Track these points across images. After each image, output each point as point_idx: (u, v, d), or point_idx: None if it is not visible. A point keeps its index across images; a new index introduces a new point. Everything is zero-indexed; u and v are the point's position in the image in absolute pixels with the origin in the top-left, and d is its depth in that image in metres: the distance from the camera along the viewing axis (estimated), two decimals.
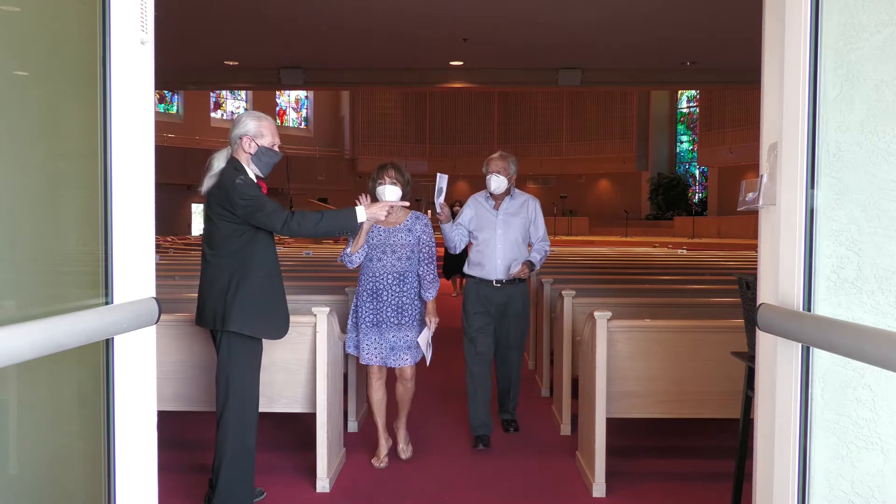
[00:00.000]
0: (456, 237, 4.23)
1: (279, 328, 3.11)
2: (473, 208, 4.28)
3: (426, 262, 3.73)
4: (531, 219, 4.28)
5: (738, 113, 22.89)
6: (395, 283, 3.64)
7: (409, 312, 3.66)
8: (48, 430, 1.59)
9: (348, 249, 3.62)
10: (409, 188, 3.73)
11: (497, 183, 4.18)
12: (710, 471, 3.70)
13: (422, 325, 3.73)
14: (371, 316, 3.64)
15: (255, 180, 3.01)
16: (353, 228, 3.33)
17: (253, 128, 3.00)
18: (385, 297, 3.63)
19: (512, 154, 4.41)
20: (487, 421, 4.16)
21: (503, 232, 4.18)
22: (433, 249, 3.76)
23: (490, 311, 4.21)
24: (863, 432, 1.54)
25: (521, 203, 4.29)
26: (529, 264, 4.17)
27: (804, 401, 1.63)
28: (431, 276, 3.74)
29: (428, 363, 3.74)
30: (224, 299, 2.96)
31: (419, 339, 3.68)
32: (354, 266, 3.67)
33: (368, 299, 3.64)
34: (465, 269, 4.29)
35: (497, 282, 4.18)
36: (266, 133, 3.02)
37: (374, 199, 3.53)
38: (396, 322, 3.63)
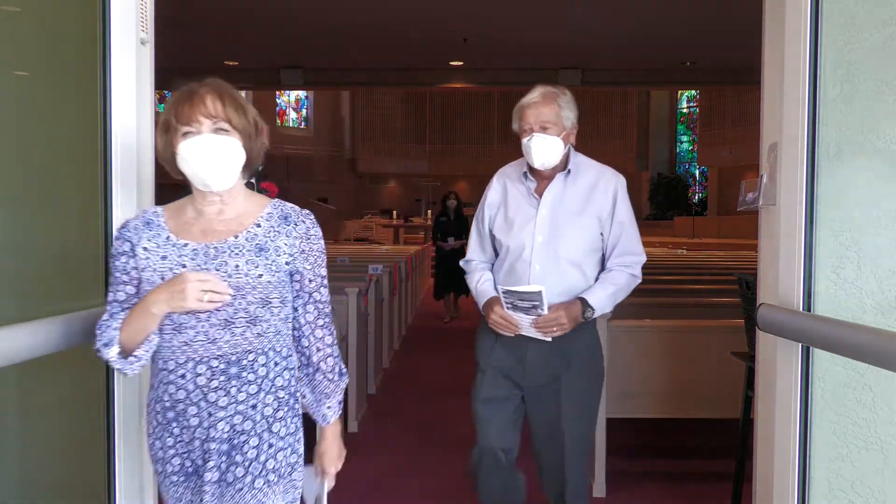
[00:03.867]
0: (486, 283, 2.27)
1: None
2: (502, 190, 2.30)
3: (315, 320, 1.54)
4: (607, 212, 2.22)
5: (738, 113, 22.87)
6: (218, 382, 1.42)
7: (255, 451, 1.46)
8: (48, 429, 1.59)
9: (111, 326, 1.39)
10: (258, 137, 1.49)
11: (543, 149, 2.14)
12: (710, 471, 3.69)
13: (295, 475, 1.55)
14: (178, 459, 1.46)
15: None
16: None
17: None
18: (193, 420, 1.44)
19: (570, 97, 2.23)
20: None
21: (547, 239, 2.16)
22: (326, 291, 1.56)
23: (518, 371, 2.19)
24: (863, 432, 1.54)
25: (589, 184, 2.24)
26: (582, 307, 2.11)
27: (804, 401, 1.63)
28: (334, 357, 1.57)
29: None
30: None
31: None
32: (133, 374, 1.44)
33: (165, 421, 1.45)
34: (498, 286, 2.20)
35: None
36: None
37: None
38: (223, 477, 1.44)
